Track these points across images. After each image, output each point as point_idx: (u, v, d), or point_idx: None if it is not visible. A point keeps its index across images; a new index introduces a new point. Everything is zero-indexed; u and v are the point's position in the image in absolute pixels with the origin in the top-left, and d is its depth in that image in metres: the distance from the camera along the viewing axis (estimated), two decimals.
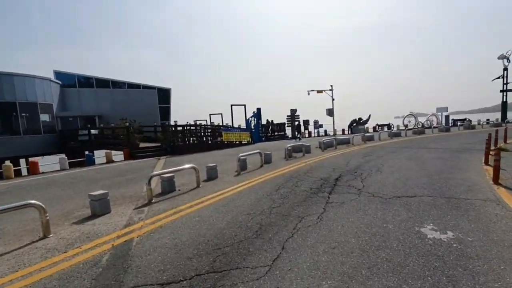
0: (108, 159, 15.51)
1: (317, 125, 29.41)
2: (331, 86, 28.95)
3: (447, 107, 31.61)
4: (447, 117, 31.59)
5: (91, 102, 24.97)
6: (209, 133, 20.81)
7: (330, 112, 28.74)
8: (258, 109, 25.91)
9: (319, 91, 28.83)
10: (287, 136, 28.04)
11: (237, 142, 22.01)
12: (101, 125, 22.01)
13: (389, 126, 31.39)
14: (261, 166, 10.44)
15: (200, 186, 7.51)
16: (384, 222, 4.20)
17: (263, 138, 26.16)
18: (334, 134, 29.22)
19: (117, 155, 17.27)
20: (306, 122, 28.72)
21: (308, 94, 28.78)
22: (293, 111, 27.62)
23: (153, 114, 25.23)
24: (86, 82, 25.67)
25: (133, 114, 23.22)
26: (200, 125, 20.34)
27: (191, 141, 19.30)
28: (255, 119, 25.92)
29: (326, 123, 30.35)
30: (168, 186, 7.07)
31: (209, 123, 24.26)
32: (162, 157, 16.03)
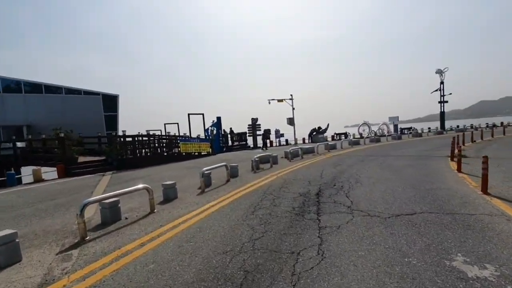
0: (37, 177, 12.68)
1: (279, 135, 29.07)
2: (291, 95, 29.04)
3: (398, 117, 34.13)
4: (396, 126, 34.03)
5: (18, 110, 21.04)
6: (164, 144, 18.79)
7: (290, 121, 28.66)
8: (218, 118, 24.58)
9: (280, 100, 28.65)
10: (249, 146, 27.08)
11: (197, 153, 20.31)
12: (29, 137, 18.46)
13: (346, 134, 32.52)
14: (228, 180, 9.17)
15: (155, 211, 5.96)
16: (402, 255, 3.29)
17: (224, 149, 24.80)
18: (296, 143, 29.14)
19: (50, 172, 14.37)
20: (267, 132, 28.14)
21: (269, 103, 28.44)
22: (254, 120, 26.86)
23: (97, 124, 22.23)
24: (12, 86, 21.65)
25: (72, 123, 20.07)
26: (154, 135, 18.24)
27: (144, 154, 17.11)
28: (215, 128, 24.49)
29: (287, 132, 30.21)
30: (111, 215, 5.41)
31: (164, 134, 22.11)
32: (107, 172, 13.70)
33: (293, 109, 28.97)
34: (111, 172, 13.74)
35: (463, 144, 15.04)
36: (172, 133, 20.64)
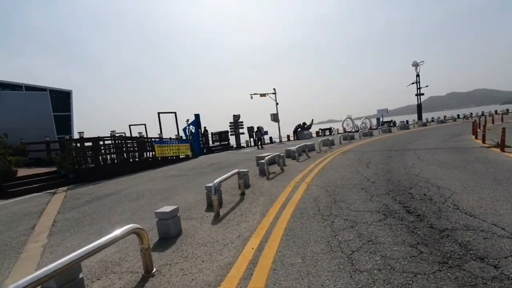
0: None
1: (262, 132, 26.64)
2: (274, 89, 26.81)
3: (386, 109, 33.71)
4: (378, 119, 33.63)
5: None
6: (135, 148, 15.35)
7: (274, 117, 26.44)
8: (197, 116, 21.48)
9: (262, 95, 26.29)
10: (232, 146, 24.33)
11: (174, 157, 17.10)
12: None
13: (330, 130, 31.18)
14: (243, 194, 6.49)
15: (154, 271, 3.16)
16: None
17: (204, 150, 21.77)
18: (280, 141, 27.03)
19: None
20: (250, 129, 25.63)
21: (251, 98, 25.90)
22: (236, 117, 24.18)
23: (44, 126, 17.94)
24: None
25: (9, 126, 15.73)
26: (121, 137, 14.74)
27: (109, 161, 13.60)
28: (193, 127, 21.37)
29: (269, 129, 27.95)
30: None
31: (131, 136, 18.47)
32: (60, 189, 10.18)
33: (277, 104, 26.78)
34: (65, 188, 10.23)
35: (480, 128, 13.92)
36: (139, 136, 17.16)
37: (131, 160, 14.57)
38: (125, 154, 14.46)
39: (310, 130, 28.64)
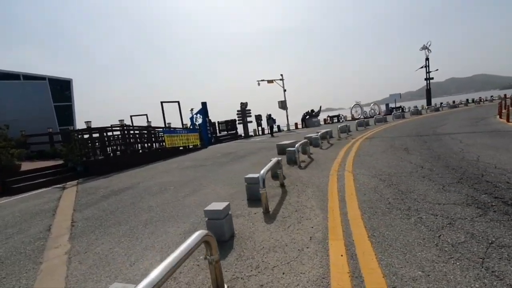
0: None
1: (270, 120, 25.80)
2: (281, 75, 25.80)
3: (400, 94, 32.82)
4: (387, 105, 32.79)
5: None
6: (144, 138, 14.54)
7: (283, 105, 25.55)
8: (204, 104, 20.57)
9: (270, 81, 25.30)
10: (240, 135, 23.54)
11: (184, 147, 16.33)
12: None
13: (339, 117, 30.36)
14: (282, 185, 5.75)
15: None
16: None
17: (212, 140, 20.97)
18: (289, 129, 26.26)
19: None
20: (258, 118, 24.78)
21: (258, 84, 24.92)
22: (244, 105, 23.28)
23: (45, 117, 17.02)
24: None
25: (8, 117, 14.85)
26: (130, 127, 13.90)
27: (118, 152, 12.81)
28: (200, 116, 20.50)
29: (278, 117, 27.09)
30: None
31: (141, 126, 17.57)
32: (69, 183, 9.45)
33: (285, 90, 25.83)
34: (75, 182, 9.49)
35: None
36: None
37: (140, 151, 13.78)
38: (134, 145, 13.67)
39: (318, 118, 27.81)
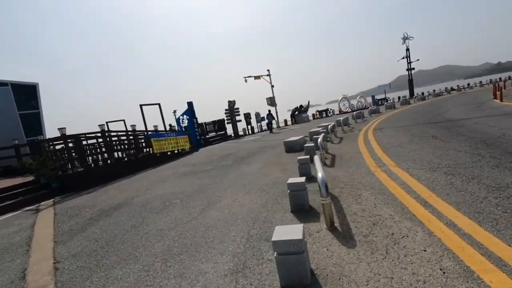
0: None
1: (259, 118, 24.74)
2: (268, 71, 24.79)
3: (389, 84, 32.90)
4: (373, 97, 32.83)
5: None
6: (132, 145, 12.91)
7: (271, 102, 24.55)
8: (190, 104, 19.07)
9: (257, 77, 24.20)
10: (230, 136, 22.26)
11: (173, 152, 14.82)
12: None
13: (327, 112, 29.88)
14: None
15: None
16: None
17: (202, 142, 19.53)
18: (278, 126, 25.32)
19: None
20: (247, 116, 23.60)
21: (245, 81, 23.75)
22: (232, 104, 21.99)
23: (9, 127, 14.85)
24: None
25: None
26: (112, 132, 12.23)
27: (100, 162, 11.15)
28: (187, 117, 18.98)
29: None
30: None
31: (126, 130, 15.72)
32: (44, 203, 7.83)
33: (272, 86, 24.85)
34: (51, 202, 7.87)
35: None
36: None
37: (125, 159, 12.17)
38: (119, 152, 12.06)
39: (307, 113, 27.12)
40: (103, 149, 11.44)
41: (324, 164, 6.47)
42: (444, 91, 31.83)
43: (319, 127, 13.24)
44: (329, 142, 9.90)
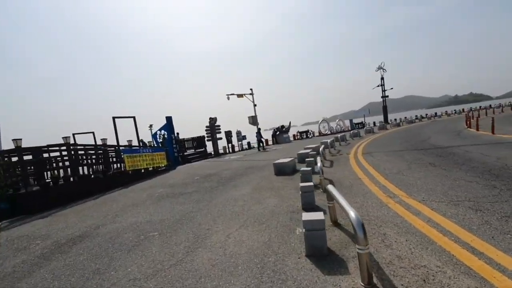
0: None
1: (240, 137, 24.04)
2: (251, 90, 24.50)
3: (369, 109, 33.88)
4: (351, 121, 33.64)
5: None
6: (98, 160, 11.53)
7: (253, 120, 24.04)
8: (169, 119, 17.98)
9: (240, 95, 23.74)
10: (210, 153, 21.20)
11: (148, 169, 13.54)
12: None
13: (307, 133, 29.95)
14: (336, 223, 3.98)
15: None
16: None
17: (180, 159, 18.30)
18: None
19: None
20: (228, 134, 22.79)
21: (228, 98, 23.13)
22: (213, 121, 21.18)
23: None
24: None
25: None
26: (78, 146, 10.85)
27: (61, 180, 9.68)
28: (165, 132, 17.80)
29: (248, 134, 25.45)
30: None
31: (94, 144, 14.06)
32: None
33: (255, 105, 24.47)
34: None
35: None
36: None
37: (92, 176, 10.76)
38: (84, 168, 10.67)
39: (288, 134, 26.94)
40: (66, 165, 10.01)
41: (324, 191, 5.84)
42: (416, 118, 33.52)
43: (306, 148, 12.82)
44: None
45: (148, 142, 16.50)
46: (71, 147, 9.98)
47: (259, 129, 21.67)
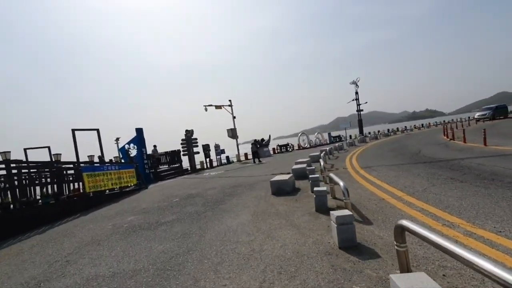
0: None
1: (219, 151, 22.38)
2: (230, 101, 23.20)
3: (350, 122, 33.84)
4: (329, 134, 33.54)
5: None
6: (52, 180, 9.33)
7: (233, 133, 22.61)
8: (139, 130, 15.95)
9: (218, 107, 22.27)
10: (187, 169, 19.24)
11: (114, 190, 11.44)
12: None
13: (287, 146, 29.08)
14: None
15: None
16: None
17: (151, 176, 16.20)
18: (239, 160, 23.27)
19: None
20: (206, 148, 21.06)
21: (206, 110, 21.53)
22: (189, 134, 19.40)
23: None
24: None
25: None
26: (22, 163, 8.65)
27: None
28: (134, 146, 15.71)
29: (226, 147, 23.90)
30: None
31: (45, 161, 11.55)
32: None
33: (234, 117, 23.14)
34: None
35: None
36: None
37: (40, 202, 8.56)
38: (29, 191, 8.49)
39: (268, 147, 25.85)
40: (5, 187, 7.81)
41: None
42: (390, 131, 34.44)
43: (297, 163, 11.67)
44: (321, 181, 8.19)
45: (114, 157, 14.31)
46: (12, 165, 7.82)
47: (255, 140, 20.97)
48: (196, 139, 19.87)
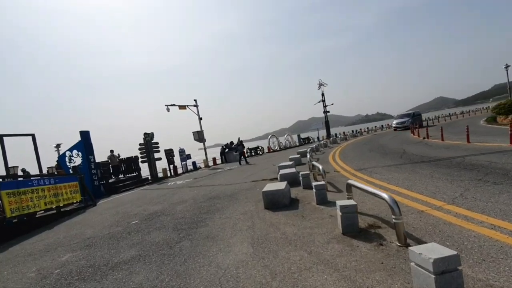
0: None
1: (184, 156, 19.99)
2: (195, 100, 21.00)
3: (322, 122, 33.22)
4: (298, 135, 32.87)
5: None
6: None
7: (199, 136, 20.41)
8: (84, 134, 13.10)
9: (182, 107, 19.93)
10: (147, 179, 16.56)
11: (49, 211, 8.78)
12: None
13: (257, 149, 27.58)
14: None
15: None
16: None
17: (102, 188, 13.40)
18: (207, 166, 21.15)
19: None
20: (169, 153, 18.57)
21: (168, 110, 19.04)
22: (149, 137, 16.81)
23: None
24: None
25: None
26: None
27: None
28: (78, 153, 12.83)
29: (192, 152, 21.59)
30: None
31: None
32: None
33: (200, 119, 20.98)
34: None
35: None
36: None
37: None
38: None
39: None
40: None
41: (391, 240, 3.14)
42: (357, 132, 35.15)
43: (281, 167, 10.19)
44: (299, 187, 6.75)
45: (48, 168, 11.38)
46: None
47: (241, 141, 19.36)
48: (157, 143, 17.36)
